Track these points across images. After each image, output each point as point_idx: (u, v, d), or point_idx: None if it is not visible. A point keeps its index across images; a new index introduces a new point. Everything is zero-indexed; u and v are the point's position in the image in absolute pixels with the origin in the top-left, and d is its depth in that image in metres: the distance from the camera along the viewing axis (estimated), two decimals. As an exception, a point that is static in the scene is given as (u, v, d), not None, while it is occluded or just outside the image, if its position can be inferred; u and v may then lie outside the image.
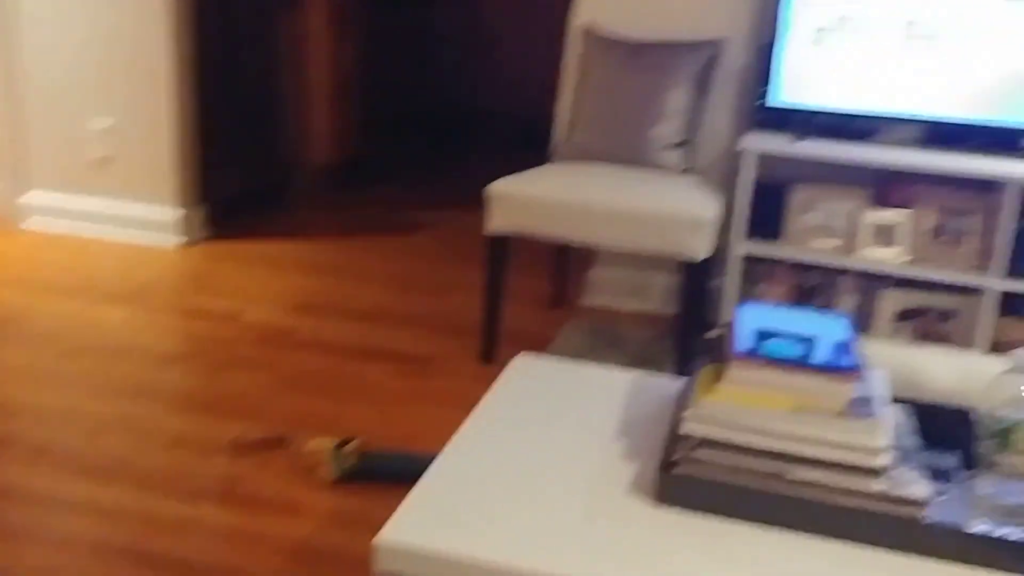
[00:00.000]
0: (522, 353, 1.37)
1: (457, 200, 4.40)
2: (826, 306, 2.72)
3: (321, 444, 2.06)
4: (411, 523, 0.98)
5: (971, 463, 1.02)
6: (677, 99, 2.71)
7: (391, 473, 2.03)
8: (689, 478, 1.01)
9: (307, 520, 1.90)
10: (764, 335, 1.06)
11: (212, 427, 2.25)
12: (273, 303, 3.08)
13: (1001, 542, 0.95)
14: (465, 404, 1.20)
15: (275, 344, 2.77)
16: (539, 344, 2.82)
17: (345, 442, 2.06)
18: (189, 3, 3.47)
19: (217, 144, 3.77)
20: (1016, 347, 1.01)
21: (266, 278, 3.31)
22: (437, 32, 5.55)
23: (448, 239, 3.90)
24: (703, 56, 2.73)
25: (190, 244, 3.60)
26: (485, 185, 2.59)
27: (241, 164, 4.02)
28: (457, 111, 5.80)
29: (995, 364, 1.07)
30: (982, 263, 2.56)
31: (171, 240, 3.58)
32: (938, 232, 2.60)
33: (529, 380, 1.31)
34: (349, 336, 2.86)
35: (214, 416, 2.31)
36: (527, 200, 2.56)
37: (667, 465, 1.03)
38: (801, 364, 1.00)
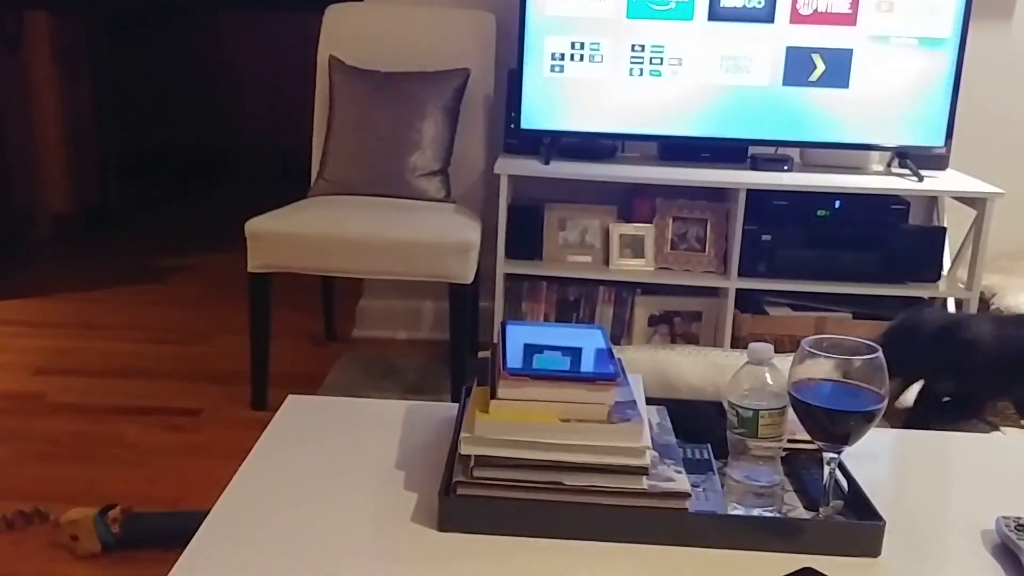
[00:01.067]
0: (292, 394, 1.34)
1: (214, 241, 4.23)
2: (588, 317, 2.85)
3: (81, 513, 1.91)
4: (187, 586, 0.93)
5: (724, 452, 1.11)
6: (429, 128, 2.76)
7: (161, 536, 1.91)
8: (470, 499, 1.02)
9: (71, 599, 1.76)
10: (532, 351, 1.10)
11: (-50, 512, 2.03)
12: (13, 368, 2.83)
13: (755, 522, 1.03)
14: (238, 455, 1.15)
15: (18, 412, 2.54)
16: (313, 382, 2.77)
17: (108, 509, 1.92)
18: None
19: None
20: (752, 340, 1.10)
21: (3, 341, 3.04)
22: (178, 69, 5.33)
23: (207, 283, 3.74)
24: (451, 85, 2.80)
25: (-92, 311, 3.24)
26: (240, 223, 2.51)
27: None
28: (208, 149, 5.59)
29: (737, 358, 1.17)
30: (719, 266, 2.78)
31: None
32: (679, 240, 2.80)
33: (302, 421, 1.28)
34: (103, 395, 2.67)
35: (-48, 499, 2.09)
36: (287, 236, 2.51)
37: (447, 489, 1.04)
38: (566, 376, 1.04)
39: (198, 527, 1.02)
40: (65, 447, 2.36)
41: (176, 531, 1.29)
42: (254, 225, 2.51)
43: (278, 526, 1.03)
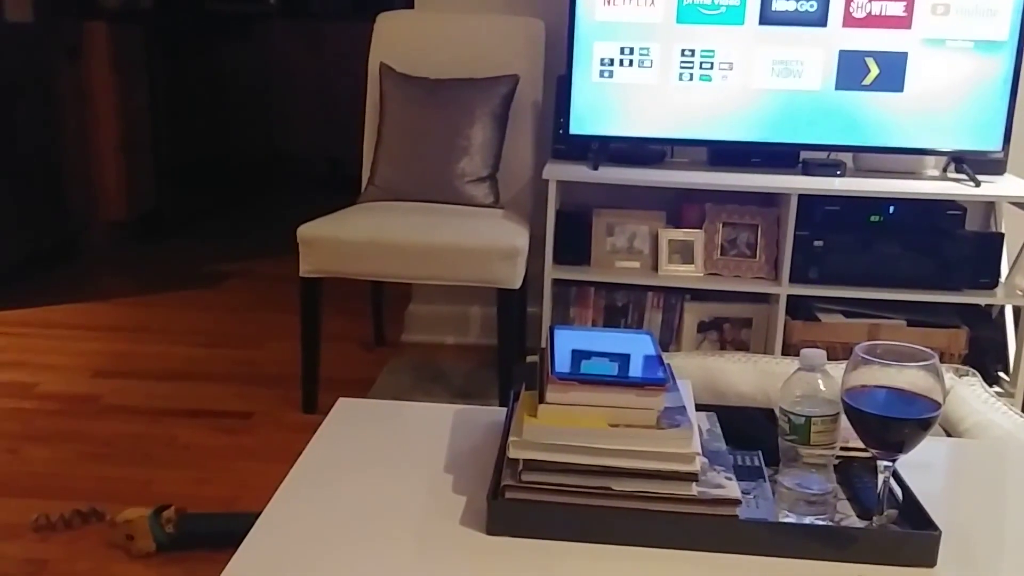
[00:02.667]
0: (343, 398, 1.35)
1: (265, 247, 4.30)
2: (636, 323, 2.84)
3: (136, 513, 1.95)
4: (239, 585, 0.95)
5: (774, 460, 1.09)
6: (478, 134, 2.77)
7: (214, 537, 1.94)
8: (518, 503, 1.02)
9: (126, 597, 1.79)
10: (580, 356, 1.10)
11: (13, 508, 2.08)
12: (71, 371, 2.90)
13: (807, 530, 1.02)
14: (289, 457, 1.17)
15: (77, 413, 2.60)
16: (362, 386, 2.79)
17: (162, 509, 1.96)
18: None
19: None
20: (804, 347, 1.08)
21: (61, 345, 3.11)
22: (231, 77, 5.42)
23: (257, 288, 3.79)
24: (500, 91, 2.81)
25: (-28, 315, 3.33)
26: (291, 230, 2.54)
27: (23, 227, 3.77)
28: (260, 155, 5.68)
29: (788, 365, 1.15)
30: (769, 272, 2.75)
31: (-51, 312, 3.30)
32: (729, 245, 2.78)
33: (352, 424, 1.29)
34: (158, 398, 2.72)
35: (14, 496, 2.14)
36: (338, 241, 2.53)
37: (496, 493, 1.04)
38: (614, 381, 1.04)
39: (250, 528, 1.04)
40: (121, 448, 2.41)
41: (228, 532, 1.31)
42: (306, 231, 2.54)
43: (328, 527, 1.04)
